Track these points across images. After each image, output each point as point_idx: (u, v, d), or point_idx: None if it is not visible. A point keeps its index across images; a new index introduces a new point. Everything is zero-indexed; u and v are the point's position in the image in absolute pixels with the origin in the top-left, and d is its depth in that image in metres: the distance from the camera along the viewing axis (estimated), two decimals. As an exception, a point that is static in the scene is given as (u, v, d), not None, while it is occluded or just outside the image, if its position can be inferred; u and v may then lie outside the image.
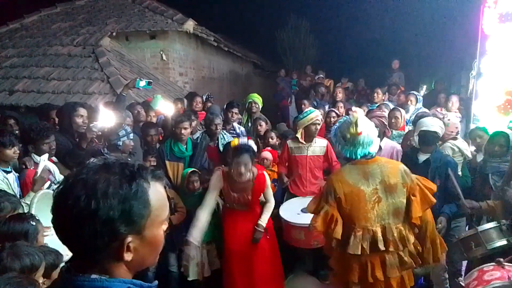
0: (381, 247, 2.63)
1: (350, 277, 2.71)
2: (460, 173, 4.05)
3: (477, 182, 3.99)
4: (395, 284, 2.70)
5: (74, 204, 0.94)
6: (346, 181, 2.70)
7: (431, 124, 3.67)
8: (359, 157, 2.71)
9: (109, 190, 0.95)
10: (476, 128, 4.46)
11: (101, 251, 0.97)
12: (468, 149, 4.27)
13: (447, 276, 3.81)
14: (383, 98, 7.67)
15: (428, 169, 3.61)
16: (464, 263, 3.94)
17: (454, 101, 6.21)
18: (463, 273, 3.83)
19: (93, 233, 0.94)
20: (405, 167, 2.79)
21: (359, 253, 2.64)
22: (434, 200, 2.75)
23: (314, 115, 4.39)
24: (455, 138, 4.26)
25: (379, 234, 2.64)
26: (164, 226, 1.10)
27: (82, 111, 3.88)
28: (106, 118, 3.62)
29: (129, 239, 0.98)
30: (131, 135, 3.83)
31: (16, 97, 7.14)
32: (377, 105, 6.34)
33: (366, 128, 2.71)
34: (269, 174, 4.50)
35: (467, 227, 4.07)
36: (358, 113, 2.73)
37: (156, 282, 1.22)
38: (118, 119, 3.98)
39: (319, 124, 4.41)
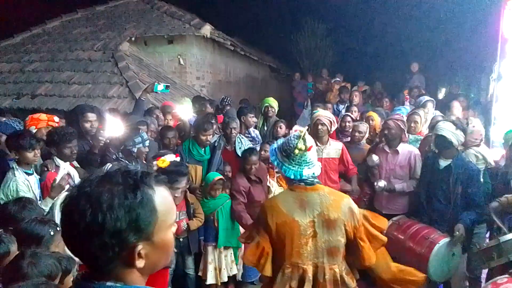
0: None
1: None
2: (482, 179, 3.98)
3: (498, 188, 3.91)
4: None
5: (80, 219, 0.94)
6: (279, 210, 2.36)
7: (441, 128, 3.61)
8: (304, 177, 2.36)
9: (114, 202, 0.94)
10: (510, 131, 4.36)
11: (113, 261, 0.98)
12: (491, 156, 4.18)
13: (467, 284, 3.75)
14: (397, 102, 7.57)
15: (449, 175, 3.56)
16: (485, 270, 3.87)
17: (456, 106, 5.96)
18: (483, 280, 3.76)
19: (102, 245, 0.94)
20: (352, 203, 2.45)
21: None
22: (385, 239, 2.51)
23: (318, 114, 4.38)
24: (478, 145, 4.17)
25: (309, 274, 2.33)
26: (174, 228, 1.10)
27: (90, 116, 3.93)
28: (113, 127, 3.67)
29: (140, 246, 0.98)
30: (147, 142, 3.84)
31: (39, 100, 7.33)
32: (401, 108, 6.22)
33: (313, 144, 2.44)
34: (280, 178, 4.51)
35: (487, 234, 4.00)
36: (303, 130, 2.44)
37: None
38: (135, 125, 4.02)
39: (323, 124, 4.31)
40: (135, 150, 3.73)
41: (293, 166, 2.37)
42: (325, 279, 2.33)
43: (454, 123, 3.62)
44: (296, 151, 2.33)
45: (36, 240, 2.17)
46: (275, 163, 2.47)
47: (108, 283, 0.98)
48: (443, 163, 3.64)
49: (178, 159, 2.84)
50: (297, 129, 2.62)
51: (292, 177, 2.37)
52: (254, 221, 2.49)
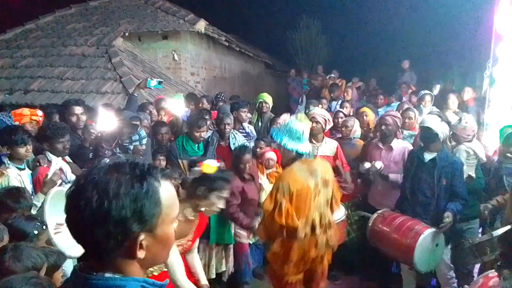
0: (318, 231, 3.10)
1: (291, 256, 3.09)
2: (474, 175, 4.01)
3: (491, 183, 3.94)
4: (320, 260, 3.24)
5: (86, 205, 0.95)
6: (298, 179, 3.02)
7: (427, 120, 3.65)
8: (310, 153, 3.12)
9: (120, 190, 0.96)
10: (505, 127, 4.37)
11: (115, 250, 0.98)
12: (483, 152, 4.20)
13: (453, 275, 3.79)
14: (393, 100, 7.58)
15: (434, 168, 3.59)
16: (477, 265, 3.90)
17: (453, 99, 5.97)
18: (475, 275, 3.79)
19: (106, 233, 0.95)
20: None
21: (303, 237, 3.05)
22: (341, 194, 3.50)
23: (313, 112, 4.40)
24: (470, 141, 4.19)
25: (317, 220, 3.10)
26: (175, 224, 1.11)
27: (77, 110, 3.92)
28: (105, 121, 3.64)
29: (142, 237, 0.99)
30: (145, 140, 3.81)
31: (31, 96, 7.27)
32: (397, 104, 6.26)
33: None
34: (275, 176, 4.49)
35: (480, 229, 4.03)
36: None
37: (167, 280, 1.24)
38: (133, 122, 3.98)
39: (318, 122, 4.33)
40: (131, 147, 3.70)
41: (303, 147, 3.06)
42: (325, 222, 3.13)
43: (439, 115, 3.66)
44: (302, 130, 3.05)
45: (20, 237, 2.17)
46: (289, 149, 3.05)
47: (107, 275, 0.99)
48: (428, 156, 3.67)
49: (219, 164, 2.62)
50: (285, 119, 3.08)
51: (305, 155, 3.08)
52: (276, 190, 3.02)
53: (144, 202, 0.98)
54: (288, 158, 3.14)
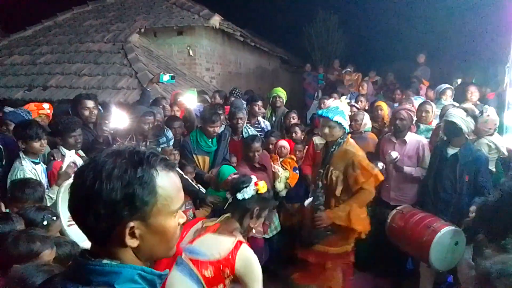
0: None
1: (366, 228, 3.30)
2: (493, 169, 3.90)
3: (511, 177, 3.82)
4: None
5: (81, 184, 0.97)
6: (362, 151, 3.40)
7: (451, 114, 3.53)
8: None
9: (113, 172, 0.96)
10: None
11: (106, 234, 0.98)
12: (504, 146, 4.09)
13: (474, 273, 3.67)
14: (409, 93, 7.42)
15: (456, 164, 3.49)
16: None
17: (473, 91, 5.77)
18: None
19: (96, 215, 0.95)
20: None
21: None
22: None
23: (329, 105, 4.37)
24: (491, 134, 4.08)
25: None
26: (181, 220, 1.09)
27: (88, 103, 3.96)
28: (119, 119, 3.66)
29: (132, 224, 0.98)
30: (171, 142, 3.82)
31: (49, 92, 7.40)
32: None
33: None
34: (289, 162, 4.48)
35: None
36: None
37: (167, 270, 1.23)
38: (159, 125, 3.98)
39: None
40: (159, 149, 3.73)
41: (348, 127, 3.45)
42: None
43: (465, 110, 3.54)
44: (347, 113, 3.42)
45: (31, 226, 2.20)
46: (343, 128, 3.35)
47: (104, 261, 0.99)
48: (451, 151, 3.56)
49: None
50: (330, 103, 3.51)
51: (350, 131, 3.51)
52: (366, 164, 3.29)
53: (136, 188, 0.96)
54: (336, 136, 3.35)
